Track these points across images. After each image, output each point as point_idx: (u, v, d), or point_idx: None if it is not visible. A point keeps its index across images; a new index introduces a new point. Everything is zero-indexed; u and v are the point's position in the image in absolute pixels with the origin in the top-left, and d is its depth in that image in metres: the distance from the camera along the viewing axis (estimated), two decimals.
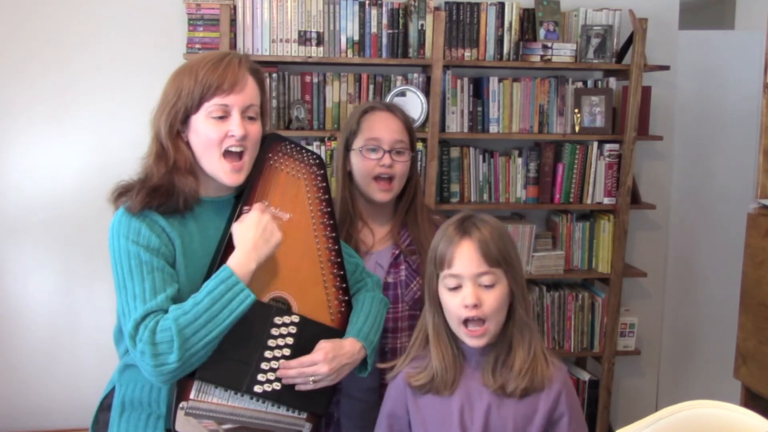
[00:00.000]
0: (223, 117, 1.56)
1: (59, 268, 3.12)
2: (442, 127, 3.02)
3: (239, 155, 1.58)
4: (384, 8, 2.95)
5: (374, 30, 2.96)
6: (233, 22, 2.88)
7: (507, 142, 3.22)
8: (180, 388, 1.52)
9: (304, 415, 1.64)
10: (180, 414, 1.51)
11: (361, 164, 2.05)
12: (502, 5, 3.03)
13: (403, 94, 2.96)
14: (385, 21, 2.95)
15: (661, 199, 3.40)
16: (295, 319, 1.61)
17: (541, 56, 3.04)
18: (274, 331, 1.59)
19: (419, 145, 2.87)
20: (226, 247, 1.57)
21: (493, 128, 3.08)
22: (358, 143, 2.07)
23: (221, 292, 1.49)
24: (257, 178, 1.64)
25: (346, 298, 1.73)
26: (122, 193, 1.59)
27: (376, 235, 2.10)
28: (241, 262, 1.53)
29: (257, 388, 1.56)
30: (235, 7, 2.88)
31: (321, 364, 1.59)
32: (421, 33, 2.97)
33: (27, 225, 3.08)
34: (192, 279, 1.56)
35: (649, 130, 3.24)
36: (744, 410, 1.47)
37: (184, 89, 1.55)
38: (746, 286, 2.55)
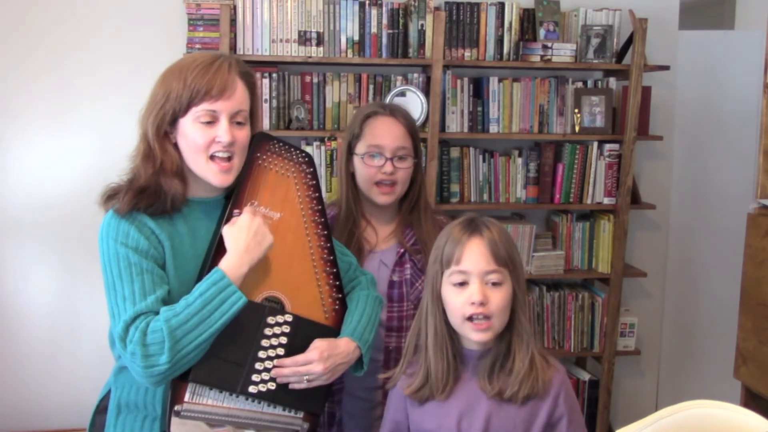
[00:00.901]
0: (211, 122, 1.55)
1: (59, 268, 3.12)
2: (442, 127, 3.02)
3: (227, 158, 1.58)
4: (384, 8, 2.95)
5: (374, 30, 2.96)
6: (233, 22, 2.88)
7: (507, 142, 3.22)
8: (174, 391, 1.51)
9: (301, 415, 1.63)
10: (175, 416, 1.50)
11: (363, 170, 2.05)
12: (502, 5, 3.03)
13: (403, 94, 2.96)
14: (385, 21, 2.95)
15: (661, 199, 3.40)
16: (289, 318, 1.61)
17: (541, 56, 3.04)
18: (268, 331, 1.58)
19: None
20: (216, 249, 1.57)
21: (493, 128, 3.08)
22: (360, 149, 2.06)
23: (213, 294, 1.48)
24: (246, 178, 1.63)
25: (340, 295, 1.72)
26: (111, 196, 1.59)
27: (380, 234, 2.10)
28: (233, 264, 1.52)
29: (252, 389, 1.55)
30: (235, 7, 2.88)
31: (315, 363, 1.58)
32: (421, 33, 2.97)
33: (27, 225, 3.08)
34: (182, 280, 1.56)
35: (649, 130, 3.24)
36: (744, 410, 1.47)
37: (172, 92, 1.54)
38: (746, 286, 2.55)
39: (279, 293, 1.63)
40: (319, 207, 1.71)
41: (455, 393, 1.57)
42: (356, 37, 2.95)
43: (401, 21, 2.96)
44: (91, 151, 3.06)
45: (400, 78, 3.02)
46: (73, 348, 3.15)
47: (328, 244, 1.71)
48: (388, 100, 2.94)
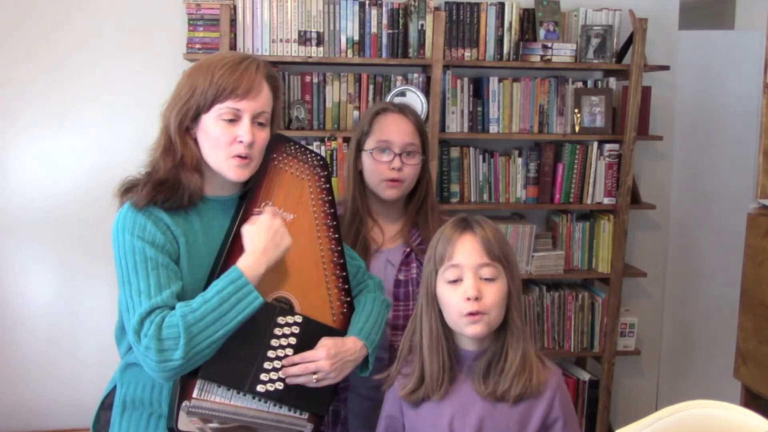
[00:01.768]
0: (234, 120, 1.56)
1: (59, 268, 3.12)
2: (442, 127, 3.02)
3: (245, 156, 1.59)
4: (384, 8, 2.95)
5: (374, 30, 2.96)
6: (233, 22, 2.88)
7: (507, 142, 3.22)
8: (183, 387, 1.52)
9: (306, 416, 1.64)
10: (182, 413, 1.51)
11: (371, 166, 2.06)
12: (502, 5, 3.03)
13: (403, 94, 2.96)
14: (385, 21, 2.95)
15: (661, 199, 3.40)
16: (298, 319, 1.62)
17: (541, 56, 3.04)
18: (277, 331, 1.59)
19: None
20: (231, 247, 1.58)
21: (493, 128, 3.08)
22: (369, 144, 2.08)
23: (230, 292, 1.49)
24: (262, 178, 1.65)
25: (348, 299, 1.73)
26: (129, 189, 1.60)
27: (386, 233, 2.11)
28: (251, 264, 1.53)
29: (260, 388, 1.56)
30: (235, 7, 2.88)
31: (323, 360, 1.59)
32: (421, 33, 2.97)
33: (27, 225, 3.08)
34: (195, 277, 1.57)
35: (649, 130, 3.24)
36: (744, 410, 1.47)
37: (198, 87, 1.56)
38: (746, 286, 2.55)
39: (289, 294, 1.64)
40: (332, 210, 1.73)
41: (450, 394, 1.57)
42: (356, 37, 2.95)
43: (401, 21, 2.96)
44: (91, 151, 3.06)
45: (400, 78, 3.02)
46: (73, 348, 3.16)
47: (339, 248, 1.72)
48: (388, 100, 2.94)
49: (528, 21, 3.09)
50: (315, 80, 2.98)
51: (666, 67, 3.18)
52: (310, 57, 2.93)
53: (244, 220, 1.60)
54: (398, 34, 2.97)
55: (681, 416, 1.49)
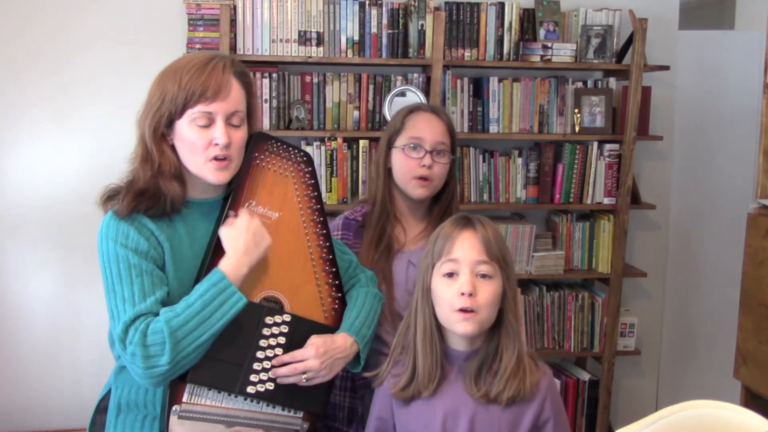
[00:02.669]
0: (207, 125, 1.54)
1: (59, 268, 3.12)
2: None
3: (224, 158, 1.57)
4: (384, 8, 2.95)
5: (374, 30, 2.96)
6: (233, 22, 2.88)
7: (507, 142, 3.22)
8: (172, 391, 1.51)
9: (300, 414, 1.63)
10: (173, 417, 1.50)
11: (402, 162, 2.08)
12: (502, 5, 3.03)
13: (403, 94, 2.96)
14: (385, 21, 2.95)
15: (661, 199, 3.40)
16: (287, 318, 1.61)
17: (541, 56, 3.04)
18: (266, 331, 1.58)
19: None
20: (214, 250, 1.57)
21: (493, 128, 3.08)
22: (400, 141, 2.10)
23: (213, 295, 1.48)
24: (244, 178, 1.63)
25: (340, 295, 1.72)
26: (110, 197, 1.59)
27: (409, 234, 2.12)
28: (232, 265, 1.52)
29: (250, 389, 1.55)
30: (235, 7, 2.88)
31: (312, 359, 1.58)
32: (421, 33, 2.97)
33: (27, 225, 3.08)
34: (182, 281, 1.56)
35: (649, 130, 3.24)
36: (744, 410, 1.47)
37: (168, 94, 1.53)
38: (746, 286, 2.55)
39: (278, 293, 1.63)
40: (318, 206, 1.71)
41: (441, 393, 1.57)
42: (356, 37, 2.95)
43: (401, 21, 2.96)
44: (91, 152, 3.06)
45: (400, 78, 3.02)
46: (73, 348, 3.15)
47: (327, 244, 1.71)
48: (388, 99, 2.94)
49: (528, 21, 3.09)
50: (315, 80, 2.98)
51: (666, 67, 3.17)
52: (310, 57, 2.93)
53: (224, 222, 1.59)
54: (398, 34, 2.97)
55: (681, 416, 1.49)
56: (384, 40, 2.97)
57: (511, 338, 1.57)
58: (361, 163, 2.98)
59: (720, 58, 3.50)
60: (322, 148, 2.95)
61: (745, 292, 2.55)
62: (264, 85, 2.92)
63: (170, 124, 1.56)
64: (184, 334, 1.45)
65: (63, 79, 3.03)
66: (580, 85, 3.13)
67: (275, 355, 1.58)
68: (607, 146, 3.12)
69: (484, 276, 1.53)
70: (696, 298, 3.61)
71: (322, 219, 1.71)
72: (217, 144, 1.54)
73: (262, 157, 1.66)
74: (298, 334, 1.61)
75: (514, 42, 3.05)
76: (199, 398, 1.53)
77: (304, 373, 1.58)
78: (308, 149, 2.93)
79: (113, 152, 2.99)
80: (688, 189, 3.53)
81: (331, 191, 2.96)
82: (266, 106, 2.93)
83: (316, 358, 1.58)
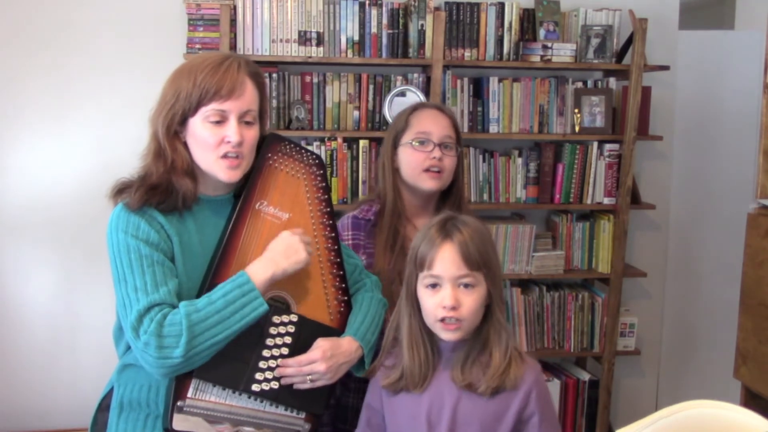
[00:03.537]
0: (221, 122, 1.56)
1: (59, 268, 3.12)
2: None
3: (236, 156, 1.59)
4: (384, 8, 2.95)
5: (374, 30, 2.96)
6: (233, 22, 2.88)
7: (507, 142, 3.22)
8: (177, 387, 1.52)
9: (303, 415, 1.64)
10: (177, 412, 1.51)
11: (411, 157, 2.09)
12: (502, 5, 3.03)
13: (403, 94, 2.96)
14: (385, 21, 2.95)
15: (661, 199, 3.40)
16: (294, 318, 1.62)
17: (541, 56, 3.04)
18: (273, 331, 1.59)
19: None
20: (225, 248, 1.58)
21: (493, 128, 3.08)
22: (407, 138, 2.11)
23: (236, 296, 1.50)
24: (257, 177, 1.65)
25: (346, 298, 1.73)
26: (121, 190, 1.60)
27: None
28: (258, 270, 1.55)
29: (255, 387, 1.56)
30: (235, 7, 2.88)
31: (318, 362, 1.59)
32: (421, 33, 2.97)
33: (27, 225, 3.08)
34: (190, 276, 1.57)
35: (649, 130, 3.24)
36: (744, 410, 1.47)
37: (182, 92, 1.56)
38: (746, 286, 2.55)
39: (285, 293, 1.64)
40: (328, 209, 1.73)
41: (428, 385, 1.59)
42: (356, 37, 2.95)
43: (401, 21, 2.96)
44: (91, 151, 3.06)
45: (400, 78, 3.02)
46: (73, 347, 3.15)
47: (336, 247, 1.72)
48: (388, 99, 2.94)
49: (528, 21, 3.09)
50: (315, 80, 2.98)
51: (666, 67, 3.18)
52: (310, 57, 2.93)
53: (239, 220, 1.60)
54: (398, 34, 2.97)
55: (681, 416, 1.49)
56: (384, 40, 2.97)
57: (500, 335, 1.59)
58: (361, 163, 2.98)
59: (720, 58, 3.50)
60: (322, 148, 2.95)
61: (745, 292, 2.56)
62: None
63: (183, 121, 1.58)
64: (201, 330, 1.46)
65: (63, 78, 3.02)
66: (580, 85, 3.13)
67: (281, 355, 1.59)
68: (607, 146, 3.12)
69: (467, 286, 1.55)
70: (696, 298, 3.61)
71: (331, 222, 1.73)
72: (229, 142, 1.56)
73: (275, 157, 1.68)
74: (304, 334, 1.62)
75: (514, 42, 3.05)
76: (204, 394, 1.53)
77: (309, 375, 1.59)
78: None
79: (113, 152, 3.01)
80: (688, 189, 3.54)
81: (330, 191, 2.96)
82: None
83: (322, 362, 1.59)
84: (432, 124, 2.10)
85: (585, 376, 3.24)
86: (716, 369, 3.44)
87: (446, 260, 1.55)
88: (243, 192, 1.64)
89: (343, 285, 1.73)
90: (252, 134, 1.61)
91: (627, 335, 3.29)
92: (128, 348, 1.63)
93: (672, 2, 3.36)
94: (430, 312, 1.57)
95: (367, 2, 2.94)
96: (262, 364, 1.57)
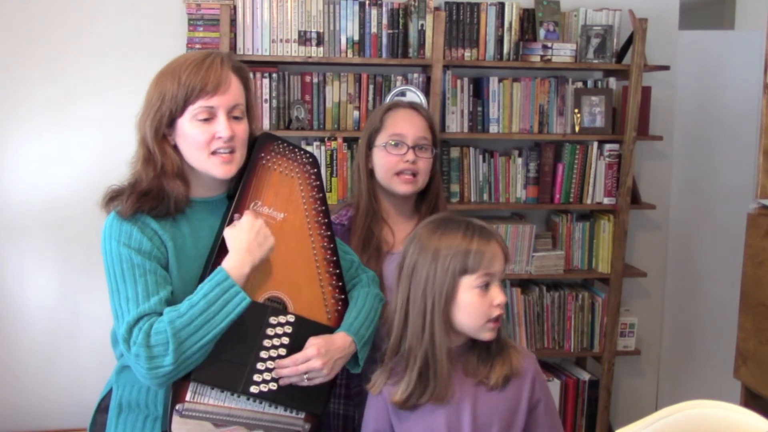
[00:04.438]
0: (209, 119, 1.55)
1: (59, 269, 3.12)
2: (442, 127, 3.02)
3: (229, 152, 1.58)
4: (384, 8, 2.95)
5: (374, 30, 2.96)
6: (233, 22, 2.88)
7: (507, 142, 3.22)
8: (176, 390, 1.51)
9: (302, 415, 1.63)
10: (176, 416, 1.50)
11: (384, 159, 2.05)
12: (502, 5, 3.03)
13: (403, 94, 2.96)
14: (385, 21, 2.95)
15: (661, 199, 3.40)
16: (291, 318, 1.61)
17: (541, 56, 3.04)
18: (270, 331, 1.58)
19: None
20: (219, 249, 1.57)
21: (493, 128, 3.08)
22: (381, 139, 2.07)
23: (217, 294, 1.49)
24: (250, 177, 1.63)
25: (343, 296, 1.72)
26: (113, 198, 1.59)
27: (397, 235, 2.10)
28: (235, 264, 1.53)
29: (253, 389, 1.55)
30: (235, 7, 2.88)
31: (314, 359, 1.58)
32: (421, 33, 2.97)
33: (27, 226, 3.08)
34: (185, 281, 1.56)
35: (649, 130, 3.24)
36: (744, 410, 1.47)
37: (167, 93, 1.54)
38: (746, 286, 2.55)
39: (281, 293, 1.63)
40: (323, 208, 1.72)
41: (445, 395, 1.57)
42: (356, 37, 2.95)
43: (401, 21, 2.96)
44: (91, 152, 3.06)
45: (400, 78, 3.02)
46: (73, 348, 3.15)
47: (332, 245, 1.72)
48: (388, 100, 2.94)
49: (528, 21, 3.09)
50: (315, 80, 2.98)
51: (666, 67, 3.18)
52: (310, 57, 2.93)
53: (232, 221, 1.59)
54: (398, 34, 2.97)
55: (681, 416, 1.49)
56: (384, 40, 2.97)
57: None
58: None
59: (720, 58, 3.50)
60: (322, 148, 2.95)
61: (745, 292, 2.56)
62: (264, 85, 2.92)
63: (171, 123, 1.57)
64: (187, 335, 1.45)
65: (63, 79, 3.02)
66: (580, 85, 3.13)
67: (279, 356, 1.58)
68: (607, 146, 3.12)
69: (503, 283, 1.60)
70: (696, 298, 3.61)
71: (326, 220, 1.72)
72: (220, 137, 1.55)
73: (269, 157, 1.67)
74: (302, 334, 1.61)
75: (514, 42, 3.05)
76: (202, 397, 1.53)
77: (306, 373, 1.58)
78: (308, 149, 2.92)
79: (113, 152, 2.99)
80: (688, 189, 3.54)
81: (330, 191, 2.96)
82: (266, 106, 2.93)
83: (318, 358, 1.58)
84: (406, 125, 2.06)
85: (585, 376, 3.24)
86: (716, 369, 3.44)
87: (498, 258, 1.56)
88: (237, 193, 1.63)
89: (340, 283, 1.72)
90: (242, 128, 1.60)
91: (627, 335, 3.29)
92: None
93: (672, 2, 3.36)
94: (480, 313, 1.54)
95: (367, 2, 2.94)
96: (259, 366, 1.56)
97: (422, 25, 2.97)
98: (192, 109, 1.54)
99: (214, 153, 1.56)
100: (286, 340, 1.59)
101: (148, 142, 1.57)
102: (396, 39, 2.97)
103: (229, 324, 1.49)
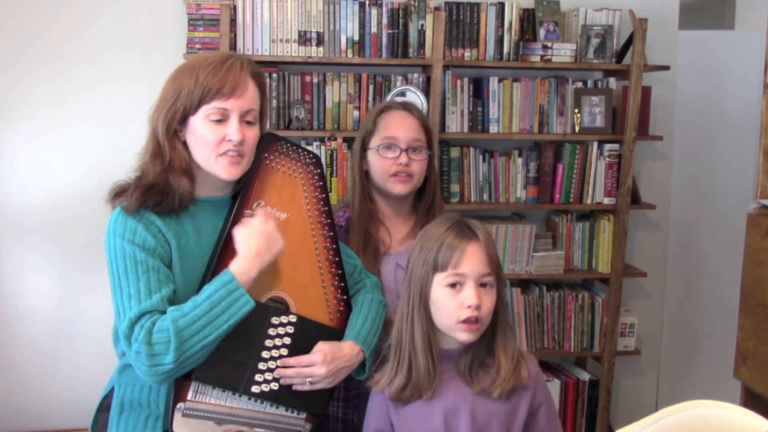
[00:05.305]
0: (222, 120, 1.56)
1: (59, 269, 3.12)
2: (442, 127, 3.02)
3: (237, 155, 1.59)
4: (384, 8, 2.95)
5: (374, 30, 2.96)
6: (233, 22, 2.88)
7: (507, 142, 3.22)
8: (177, 389, 1.51)
9: (303, 415, 1.63)
10: (177, 415, 1.51)
11: (378, 162, 2.06)
12: (502, 5, 3.03)
13: (403, 94, 2.96)
14: (385, 21, 2.95)
15: (661, 199, 3.40)
16: (293, 318, 1.61)
17: (541, 56, 3.04)
18: (272, 331, 1.58)
19: None
20: (222, 248, 1.57)
21: (493, 128, 3.08)
22: (374, 142, 2.07)
23: (221, 296, 1.49)
24: (253, 177, 1.64)
25: (345, 297, 1.73)
26: (119, 193, 1.59)
27: (394, 236, 2.10)
28: (243, 268, 1.53)
29: (255, 389, 1.56)
30: (235, 7, 2.88)
31: (319, 365, 1.58)
32: (421, 33, 2.97)
33: (27, 225, 3.08)
34: (188, 279, 1.56)
35: (649, 130, 3.24)
36: (744, 410, 1.47)
37: (183, 89, 1.55)
38: (746, 286, 2.55)
39: (284, 294, 1.63)
40: (326, 208, 1.72)
41: (437, 393, 1.57)
42: (356, 37, 2.95)
43: (401, 21, 2.96)
44: (91, 151, 3.06)
45: (400, 78, 3.02)
46: (73, 348, 3.15)
47: (334, 246, 1.72)
48: (388, 99, 2.94)
49: (528, 21, 3.09)
50: (315, 80, 2.98)
51: (666, 67, 3.18)
52: (310, 57, 2.93)
53: (236, 221, 1.59)
54: (398, 34, 2.97)
55: (681, 416, 1.49)
56: (384, 40, 2.97)
57: (507, 338, 1.59)
58: None
59: (720, 58, 3.50)
60: (322, 148, 2.95)
61: (745, 292, 2.56)
62: None
63: (184, 120, 1.57)
64: (190, 334, 1.45)
65: (63, 79, 3.02)
66: (580, 85, 3.13)
67: (280, 356, 1.58)
68: (607, 146, 3.12)
69: (484, 285, 1.55)
70: (696, 298, 3.61)
71: (329, 221, 1.72)
72: (230, 140, 1.56)
73: (272, 157, 1.67)
74: (304, 335, 1.61)
75: (514, 42, 3.05)
76: (203, 396, 1.53)
77: (308, 377, 1.59)
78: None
79: (113, 152, 3.01)
80: (688, 189, 3.54)
81: (331, 191, 2.96)
82: None
83: (323, 365, 1.59)
84: (399, 128, 2.06)
85: (585, 376, 3.24)
86: (716, 369, 3.44)
87: (474, 258, 1.54)
88: (240, 192, 1.63)
89: (342, 284, 1.72)
90: (253, 134, 1.60)
91: (627, 335, 3.29)
92: None
93: (672, 2, 3.36)
94: (451, 313, 1.54)
95: (367, 2, 2.94)
96: (261, 366, 1.57)
97: (422, 25, 2.97)
98: (206, 109, 1.55)
99: (222, 154, 1.57)
100: (288, 341, 1.59)
101: (159, 136, 1.58)
102: (396, 39, 2.97)
103: (231, 326, 1.50)
